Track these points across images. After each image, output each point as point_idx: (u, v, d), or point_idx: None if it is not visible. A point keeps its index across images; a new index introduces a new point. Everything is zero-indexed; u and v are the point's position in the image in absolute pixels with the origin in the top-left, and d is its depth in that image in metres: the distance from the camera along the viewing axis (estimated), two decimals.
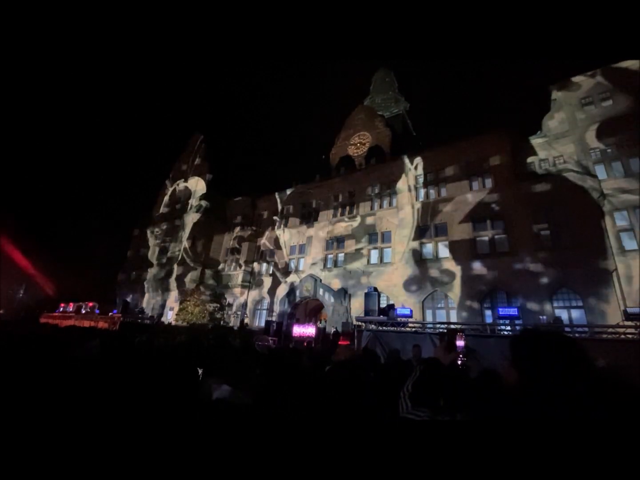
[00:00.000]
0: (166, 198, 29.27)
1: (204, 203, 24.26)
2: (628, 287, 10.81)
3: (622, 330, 7.08)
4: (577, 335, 7.91)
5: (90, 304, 23.49)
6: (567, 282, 11.68)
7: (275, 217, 22.41)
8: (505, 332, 8.79)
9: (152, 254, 26.41)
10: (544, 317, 11.24)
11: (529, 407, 0.87)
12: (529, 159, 15.02)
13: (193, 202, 25.57)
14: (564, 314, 11.45)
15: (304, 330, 14.36)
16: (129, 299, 23.94)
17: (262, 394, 1.66)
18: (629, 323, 7.23)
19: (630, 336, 6.84)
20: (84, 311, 23.02)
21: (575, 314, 11.40)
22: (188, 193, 27.26)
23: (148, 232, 28.18)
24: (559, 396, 0.87)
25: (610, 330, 7.32)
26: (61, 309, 25.00)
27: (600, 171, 12.86)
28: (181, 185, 28.40)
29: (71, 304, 24.66)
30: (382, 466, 0.85)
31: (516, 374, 0.98)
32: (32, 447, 1.01)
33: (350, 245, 17.70)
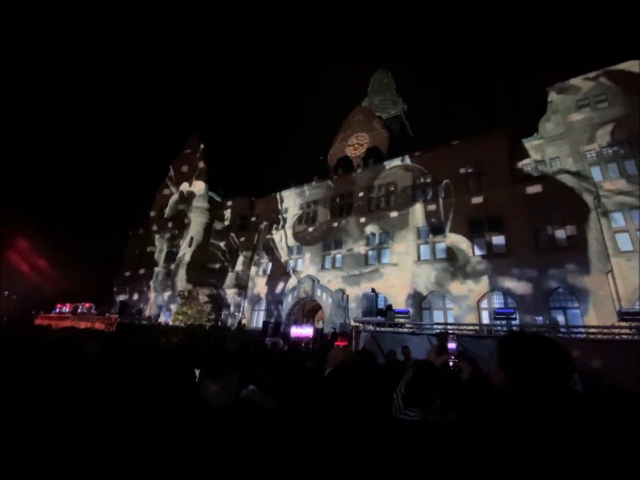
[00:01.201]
0: (164, 198, 29.21)
1: (202, 203, 24.23)
2: (623, 287, 10.91)
3: (616, 330, 7.15)
4: (572, 335, 7.98)
5: (87, 305, 23.37)
6: (563, 283, 11.77)
7: (273, 218, 22.42)
8: (502, 333, 8.84)
9: (150, 255, 26.33)
10: (540, 317, 11.31)
11: (514, 408, 0.91)
12: (526, 161, 15.12)
13: (191, 202, 25.52)
14: (559, 315, 11.53)
15: (302, 331, 14.38)
16: (126, 300, 23.86)
17: (283, 396, 1.68)
18: (624, 324, 7.30)
19: (624, 337, 6.91)
20: (80, 312, 22.91)
21: (571, 314, 11.48)
22: (186, 193, 27.21)
23: (145, 232, 28.10)
24: (544, 396, 0.90)
25: (605, 330, 7.37)
26: (57, 310, 24.87)
27: (596, 173, 12.97)
28: (179, 185, 28.35)
29: (67, 305, 24.52)
30: (376, 464, 0.88)
31: (503, 375, 1.01)
32: (35, 448, 1.03)
33: (349, 246, 17.73)
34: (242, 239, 22.22)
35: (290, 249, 20.35)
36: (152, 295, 24.06)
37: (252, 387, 1.69)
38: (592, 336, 7.27)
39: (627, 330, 7.02)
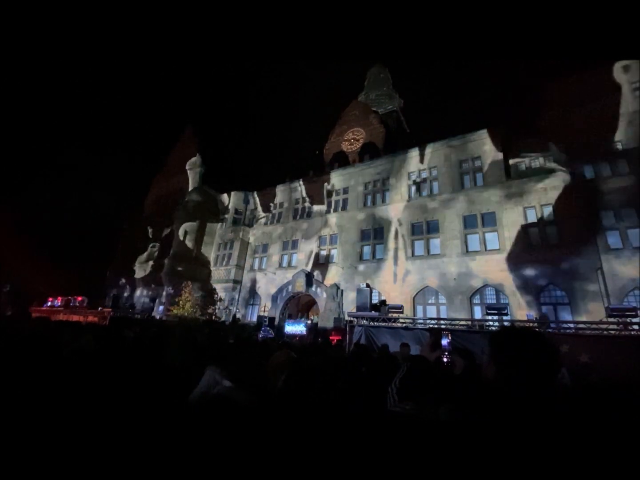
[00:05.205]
0: (157, 192, 28.94)
1: (196, 197, 24.04)
2: (612, 284, 11.11)
3: (604, 326, 7.31)
4: (562, 331, 8.13)
5: (79, 298, 23.11)
6: (554, 279, 11.96)
7: (267, 212, 22.34)
8: (494, 328, 8.97)
9: (142, 248, 26.13)
10: (531, 313, 11.49)
11: (504, 402, 0.93)
12: (520, 158, 15.21)
13: (185, 196, 25.32)
14: (550, 310, 11.73)
15: (296, 326, 14.45)
16: (118, 293, 23.67)
17: (266, 391, 1.60)
18: (612, 320, 7.47)
19: (612, 332, 7.07)
20: (72, 305, 22.68)
21: (562, 310, 11.70)
22: (181, 187, 26.97)
23: (138, 226, 27.84)
24: (532, 390, 0.93)
25: (593, 326, 7.54)
26: (49, 303, 24.57)
27: (588, 170, 13.12)
28: (174, 178, 28.09)
29: (59, 298, 24.23)
30: (370, 456, 0.90)
31: (494, 369, 1.04)
32: (32, 440, 1.03)
33: (343, 241, 17.77)
34: (236, 233, 22.10)
35: (284, 244, 20.25)
36: (145, 289, 23.92)
37: (228, 384, 1.57)
38: (581, 332, 7.44)
39: (615, 326, 7.19)
